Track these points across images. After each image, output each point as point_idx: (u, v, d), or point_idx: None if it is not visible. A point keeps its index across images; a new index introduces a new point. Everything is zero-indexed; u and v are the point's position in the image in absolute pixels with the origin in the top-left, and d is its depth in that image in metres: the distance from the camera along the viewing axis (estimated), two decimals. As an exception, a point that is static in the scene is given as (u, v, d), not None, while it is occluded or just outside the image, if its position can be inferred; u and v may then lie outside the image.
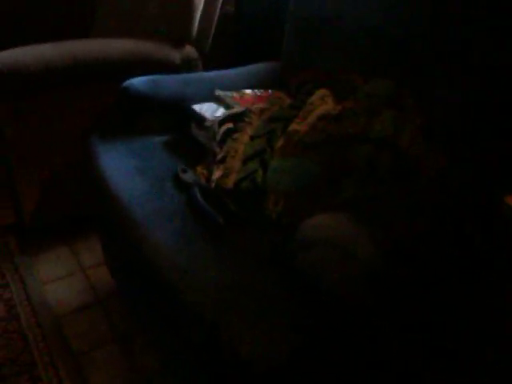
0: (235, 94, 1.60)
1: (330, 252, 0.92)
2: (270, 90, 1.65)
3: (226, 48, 2.24)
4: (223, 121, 1.44)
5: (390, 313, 0.93)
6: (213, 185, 1.29)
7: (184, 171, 1.36)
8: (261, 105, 1.48)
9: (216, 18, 2.09)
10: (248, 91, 1.64)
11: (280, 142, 1.31)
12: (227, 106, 1.55)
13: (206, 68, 2.00)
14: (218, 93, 1.60)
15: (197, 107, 1.57)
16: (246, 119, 1.42)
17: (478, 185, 1.11)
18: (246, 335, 0.91)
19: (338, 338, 0.92)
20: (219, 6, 2.10)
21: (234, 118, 1.44)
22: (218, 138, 1.41)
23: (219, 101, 1.59)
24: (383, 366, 0.96)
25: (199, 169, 1.37)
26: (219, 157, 1.34)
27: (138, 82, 1.59)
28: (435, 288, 0.97)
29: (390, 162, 1.22)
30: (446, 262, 0.98)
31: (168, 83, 1.66)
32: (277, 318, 0.94)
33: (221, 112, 1.53)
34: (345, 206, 1.04)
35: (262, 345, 0.90)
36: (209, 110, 1.55)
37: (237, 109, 1.50)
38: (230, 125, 1.42)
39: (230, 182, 1.27)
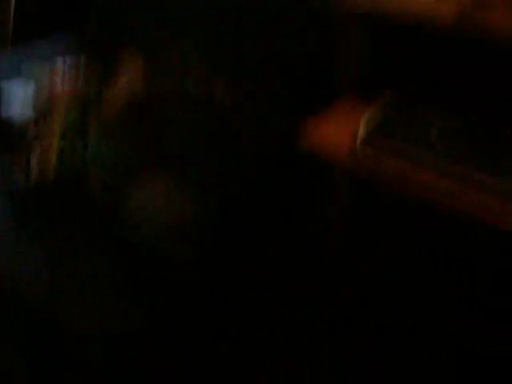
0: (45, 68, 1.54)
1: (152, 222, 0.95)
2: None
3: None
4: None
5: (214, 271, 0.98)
6: (33, 177, 1.23)
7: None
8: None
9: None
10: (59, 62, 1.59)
11: (95, 115, 1.29)
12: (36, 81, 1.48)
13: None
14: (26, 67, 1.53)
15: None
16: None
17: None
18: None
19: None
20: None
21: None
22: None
23: (29, 76, 1.52)
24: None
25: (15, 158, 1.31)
26: (34, 134, 1.30)
27: None
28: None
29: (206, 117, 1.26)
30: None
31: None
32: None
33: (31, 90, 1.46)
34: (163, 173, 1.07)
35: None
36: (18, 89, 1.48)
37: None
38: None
39: (50, 171, 1.23)
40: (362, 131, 0.88)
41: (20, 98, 1.43)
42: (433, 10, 0.81)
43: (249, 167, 1.11)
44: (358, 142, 0.86)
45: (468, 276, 1.06)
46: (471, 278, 1.06)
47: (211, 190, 1.03)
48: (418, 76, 1.03)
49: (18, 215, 1.19)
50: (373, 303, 1.14)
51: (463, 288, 1.06)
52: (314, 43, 1.12)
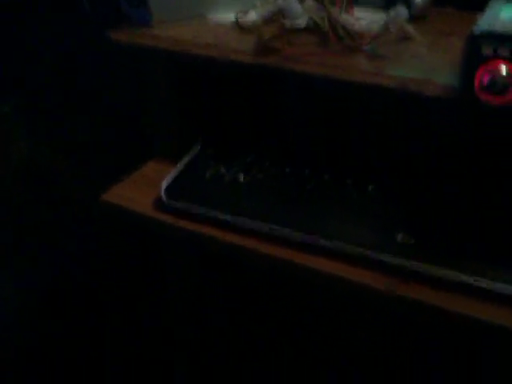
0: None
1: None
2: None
3: None
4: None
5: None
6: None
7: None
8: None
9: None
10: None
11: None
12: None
13: None
14: None
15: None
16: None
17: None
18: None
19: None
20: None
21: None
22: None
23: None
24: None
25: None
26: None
27: None
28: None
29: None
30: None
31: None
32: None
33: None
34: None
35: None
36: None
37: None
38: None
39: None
40: (165, 183, 0.85)
41: None
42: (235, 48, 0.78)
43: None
44: (162, 193, 0.84)
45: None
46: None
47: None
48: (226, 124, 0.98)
49: None
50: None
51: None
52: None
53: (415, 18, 0.84)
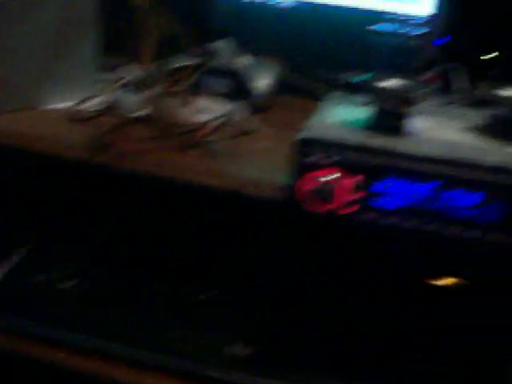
0: None
1: None
2: None
3: None
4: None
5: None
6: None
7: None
8: None
9: None
10: None
11: None
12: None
13: None
14: None
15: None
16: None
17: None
18: None
19: None
20: None
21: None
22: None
23: None
24: None
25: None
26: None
27: None
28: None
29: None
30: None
31: None
32: None
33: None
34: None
35: None
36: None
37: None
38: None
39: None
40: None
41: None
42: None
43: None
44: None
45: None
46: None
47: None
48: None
49: None
50: None
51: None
52: None
53: (259, 109, 0.84)
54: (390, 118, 0.64)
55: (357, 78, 0.77)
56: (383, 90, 0.64)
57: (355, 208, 0.61)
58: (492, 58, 0.85)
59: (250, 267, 0.80)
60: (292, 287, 0.77)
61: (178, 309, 0.73)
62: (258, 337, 0.69)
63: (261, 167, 0.69)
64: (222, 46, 0.89)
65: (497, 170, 0.58)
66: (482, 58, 0.85)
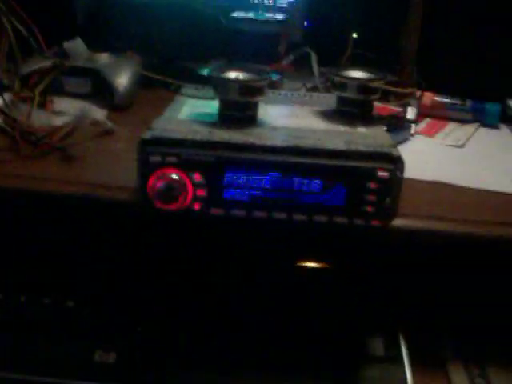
0: None
1: None
2: None
3: None
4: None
5: None
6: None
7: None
8: None
9: None
10: None
11: None
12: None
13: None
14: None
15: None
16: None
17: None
18: None
19: None
20: None
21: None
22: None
23: None
24: None
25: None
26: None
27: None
28: None
29: None
30: None
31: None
32: None
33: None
34: None
35: None
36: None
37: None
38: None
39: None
40: None
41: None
42: None
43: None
44: None
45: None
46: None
47: None
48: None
49: None
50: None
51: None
52: None
53: (119, 107, 0.82)
54: (233, 110, 0.64)
55: (207, 69, 0.76)
56: (224, 80, 0.64)
57: (204, 203, 0.61)
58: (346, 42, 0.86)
59: (111, 271, 0.79)
60: (151, 287, 0.77)
61: (39, 322, 0.71)
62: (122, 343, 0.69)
63: (116, 170, 0.68)
64: (78, 44, 0.87)
65: (335, 154, 0.60)
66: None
